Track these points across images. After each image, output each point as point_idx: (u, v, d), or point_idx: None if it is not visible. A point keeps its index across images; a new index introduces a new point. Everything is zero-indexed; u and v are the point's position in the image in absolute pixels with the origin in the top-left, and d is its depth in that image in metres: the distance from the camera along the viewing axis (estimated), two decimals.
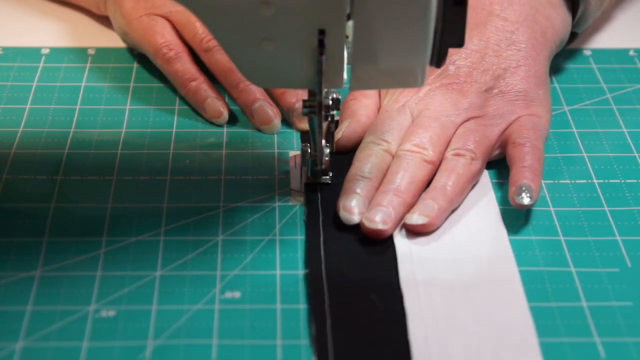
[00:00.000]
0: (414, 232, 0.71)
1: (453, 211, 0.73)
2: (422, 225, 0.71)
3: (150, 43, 0.85)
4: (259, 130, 0.82)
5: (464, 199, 0.75)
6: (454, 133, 0.77)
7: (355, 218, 0.71)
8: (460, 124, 0.77)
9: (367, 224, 0.71)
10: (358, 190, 0.72)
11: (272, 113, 0.81)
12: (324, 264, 0.69)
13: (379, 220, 0.71)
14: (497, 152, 0.78)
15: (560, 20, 0.84)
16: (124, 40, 0.90)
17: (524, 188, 0.72)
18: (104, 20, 0.95)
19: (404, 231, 0.72)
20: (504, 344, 0.64)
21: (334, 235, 0.71)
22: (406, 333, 0.64)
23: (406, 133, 0.76)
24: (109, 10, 0.91)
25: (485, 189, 0.76)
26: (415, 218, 0.71)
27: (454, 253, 0.70)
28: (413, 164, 0.74)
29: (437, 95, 0.78)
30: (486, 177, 0.77)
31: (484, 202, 0.75)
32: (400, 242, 0.71)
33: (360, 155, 0.75)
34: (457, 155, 0.75)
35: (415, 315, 0.65)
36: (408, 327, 0.64)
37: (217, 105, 0.82)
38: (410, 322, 0.65)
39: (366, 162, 0.74)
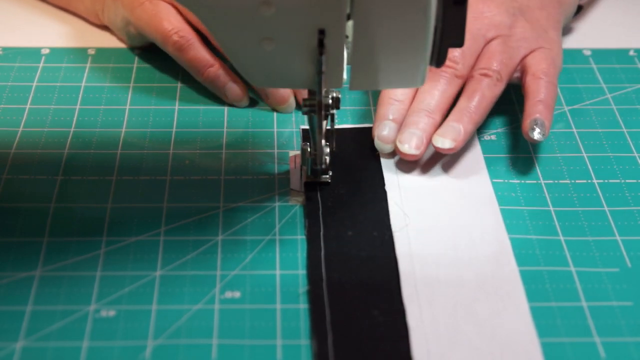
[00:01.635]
0: (439, 152, 0.77)
1: (457, 226, 0.73)
2: (449, 149, 0.76)
3: (158, 30, 0.84)
4: (275, 110, 0.83)
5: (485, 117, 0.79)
6: (483, 48, 0.80)
7: (388, 148, 0.77)
8: (490, 40, 0.80)
9: (402, 148, 0.76)
10: (390, 117, 0.77)
11: (287, 92, 0.83)
12: (325, 279, 0.68)
13: (413, 146, 0.76)
14: (515, 75, 0.81)
15: None
16: (128, 34, 0.89)
17: (537, 123, 0.76)
18: (81, 15, 0.95)
19: (406, 246, 0.71)
20: (508, 359, 0.63)
21: (335, 250, 0.70)
22: (409, 349, 0.64)
23: None
24: (107, 9, 0.90)
25: (490, 200, 0.75)
26: (446, 142, 0.76)
27: (457, 268, 0.70)
28: (444, 81, 0.78)
29: (471, 7, 0.80)
30: (490, 190, 0.77)
31: (488, 213, 0.74)
32: (403, 257, 0.70)
33: None
34: (484, 75, 0.78)
35: (418, 331, 0.65)
36: (410, 342, 0.64)
37: (237, 89, 0.84)
38: (412, 337, 0.64)
39: None
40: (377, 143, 0.77)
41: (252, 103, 0.84)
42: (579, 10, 0.93)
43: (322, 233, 0.71)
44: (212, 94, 0.86)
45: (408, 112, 0.78)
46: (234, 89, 0.84)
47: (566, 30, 0.94)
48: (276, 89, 0.83)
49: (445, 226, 0.73)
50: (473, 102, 0.78)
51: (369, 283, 0.68)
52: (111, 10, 0.90)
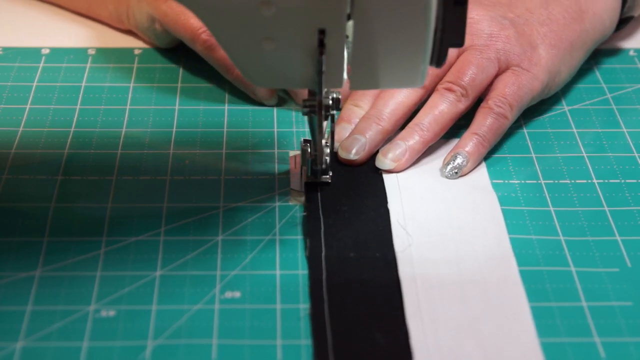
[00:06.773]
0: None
1: (458, 229, 0.73)
2: (389, 170, 0.75)
3: (186, 28, 0.83)
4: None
5: (442, 135, 0.77)
6: (456, 58, 0.76)
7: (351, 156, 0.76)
8: (463, 50, 0.77)
9: (342, 153, 0.76)
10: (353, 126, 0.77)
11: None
12: (327, 300, 0.67)
13: (353, 152, 0.75)
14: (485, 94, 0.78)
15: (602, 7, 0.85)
16: (154, 33, 0.88)
17: (457, 157, 0.75)
18: (104, 21, 0.95)
19: (409, 263, 0.69)
20: (508, 358, 0.63)
21: (336, 270, 0.69)
22: (409, 347, 0.63)
23: None
24: (132, 10, 0.89)
25: (490, 200, 0.75)
26: (386, 163, 0.75)
27: (456, 266, 0.69)
28: (405, 91, 0.76)
29: None
30: (490, 190, 0.77)
31: (488, 213, 0.74)
32: (405, 273, 0.69)
33: None
34: (448, 90, 0.74)
35: (422, 353, 0.63)
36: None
37: (265, 88, 0.83)
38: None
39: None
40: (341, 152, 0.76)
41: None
42: (628, 20, 0.88)
43: (323, 255, 0.70)
44: (213, 94, 0.86)
45: (360, 120, 0.77)
46: (262, 88, 0.83)
47: None
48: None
49: (445, 225, 0.73)
50: (427, 119, 0.74)
51: (372, 304, 0.66)
52: (136, 10, 0.89)
